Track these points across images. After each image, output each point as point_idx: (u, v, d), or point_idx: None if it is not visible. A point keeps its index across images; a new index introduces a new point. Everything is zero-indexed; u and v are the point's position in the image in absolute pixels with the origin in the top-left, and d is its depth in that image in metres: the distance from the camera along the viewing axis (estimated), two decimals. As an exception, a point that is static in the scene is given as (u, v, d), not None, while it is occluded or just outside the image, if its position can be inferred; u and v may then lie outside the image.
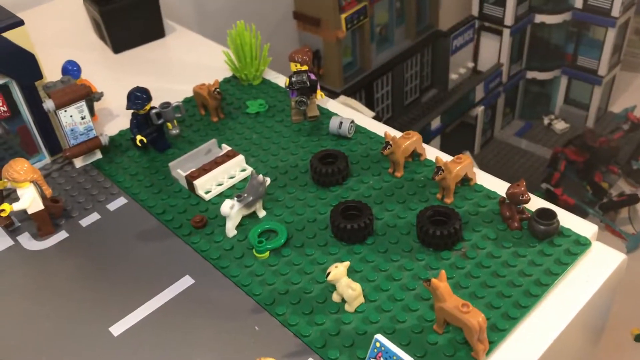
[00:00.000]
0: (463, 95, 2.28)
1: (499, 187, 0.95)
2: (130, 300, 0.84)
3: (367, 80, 1.95)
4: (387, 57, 2.01)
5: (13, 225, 0.97)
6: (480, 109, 2.40)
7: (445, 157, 0.98)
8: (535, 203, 0.90)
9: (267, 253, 0.88)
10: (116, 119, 1.20)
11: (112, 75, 1.34)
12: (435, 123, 2.20)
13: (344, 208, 0.90)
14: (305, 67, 1.09)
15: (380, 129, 1.10)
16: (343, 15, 1.69)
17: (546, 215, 0.85)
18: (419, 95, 2.30)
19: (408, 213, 0.92)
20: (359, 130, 1.10)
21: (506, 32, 2.36)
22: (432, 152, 1.03)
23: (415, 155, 1.02)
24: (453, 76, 2.35)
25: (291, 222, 0.93)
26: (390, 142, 0.96)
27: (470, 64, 2.43)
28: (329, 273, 0.77)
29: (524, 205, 0.87)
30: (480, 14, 2.40)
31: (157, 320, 0.81)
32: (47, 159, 1.09)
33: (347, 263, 0.79)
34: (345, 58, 1.89)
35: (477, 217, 0.90)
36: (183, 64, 1.38)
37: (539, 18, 2.40)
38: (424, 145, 1.03)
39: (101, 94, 1.15)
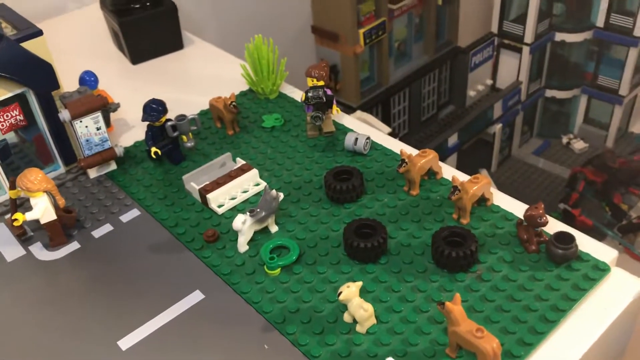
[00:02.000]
0: (481, 113, 2.26)
1: (517, 208, 0.93)
2: (139, 313, 0.83)
3: (384, 95, 1.94)
4: (405, 72, 2.00)
5: (26, 234, 0.97)
6: (498, 127, 2.38)
7: (462, 177, 0.96)
8: (554, 226, 0.88)
9: (279, 270, 0.87)
10: (132, 130, 1.20)
11: (130, 86, 1.34)
12: (453, 140, 2.18)
13: (358, 226, 0.88)
14: (321, 83, 1.08)
15: (397, 146, 1.08)
16: (361, 30, 1.68)
17: (565, 239, 0.83)
18: (436, 112, 2.28)
19: (423, 233, 0.90)
20: (375, 146, 1.09)
21: (526, 50, 2.34)
22: (448, 171, 1.02)
23: (431, 174, 1.00)
24: (471, 93, 2.33)
25: (303, 238, 0.92)
26: (406, 160, 0.94)
27: (489, 81, 2.41)
28: (340, 292, 0.75)
29: (542, 228, 0.85)
30: (499, 31, 2.38)
31: (166, 335, 0.80)
32: (62, 169, 1.09)
33: (360, 283, 0.77)
34: (362, 73, 1.89)
35: (494, 239, 0.88)
36: (200, 77, 1.38)
37: (560, 36, 2.37)
38: (441, 163, 1.01)
39: (117, 105, 1.15)
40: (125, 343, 0.80)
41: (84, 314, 0.84)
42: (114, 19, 1.38)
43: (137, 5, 1.38)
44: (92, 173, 1.08)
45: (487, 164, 2.43)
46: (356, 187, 0.96)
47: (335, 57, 1.78)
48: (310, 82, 1.09)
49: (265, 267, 0.87)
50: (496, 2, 2.33)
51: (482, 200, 0.94)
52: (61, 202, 0.94)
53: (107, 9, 1.42)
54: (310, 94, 1.05)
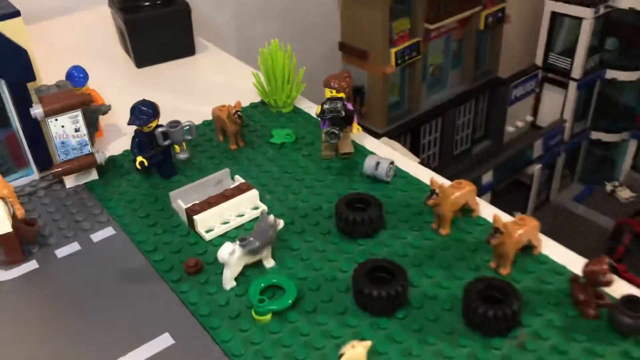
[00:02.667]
0: (519, 151, 2.09)
1: (570, 260, 0.77)
2: (96, 353, 0.69)
3: (414, 123, 1.78)
4: (438, 100, 1.84)
5: (-23, 247, 0.82)
6: (537, 168, 2.21)
7: (505, 217, 0.79)
8: (619, 287, 0.70)
9: (269, 315, 0.70)
10: (123, 138, 1.06)
11: (129, 90, 1.20)
12: (487, 178, 2.00)
13: (372, 268, 0.73)
14: (341, 95, 0.92)
15: (426, 174, 0.92)
16: (393, 50, 1.54)
17: (635, 305, 0.66)
18: (470, 146, 2.12)
19: (452, 283, 0.74)
20: (400, 174, 0.92)
21: (572, 86, 2.18)
22: (486, 209, 0.85)
23: (466, 211, 0.83)
24: (509, 129, 2.17)
25: (304, 278, 0.75)
26: (437, 191, 0.78)
27: (529, 118, 2.24)
28: (342, 354, 0.60)
29: (604, 288, 0.68)
30: (544, 64, 2.23)
31: (118, 389, 0.64)
32: (36, 175, 0.95)
33: (369, 343, 0.62)
34: (391, 97, 1.73)
35: (541, 297, 0.72)
36: (210, 85, 1.24)
37: (611, 74, 2.22)
38: (478, 199, 0.84)
39: (108, 108, 1.00)
40: (71, 392, 0.64)
41: (31, 348, 0.70)
42: (120, 17, 1.25)
43: (147, 3, 1.26)
44: (69, 182, 0.93)
45: (523, 208, 2.26)
46: (373, 219, 0.80)
47: (363, 78, 1.63)
48: (329, 94, 0.93)
49: (253, 310, 0.70)
50: (542, 32, 2.19)
51: (527, 248, 0.76)
52: (20, 211, 0.79)
53: (115, 6, 1.30)
54: (326, 106, 0.89)
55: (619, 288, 0.70)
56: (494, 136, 2.17)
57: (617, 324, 0.67)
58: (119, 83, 1.23)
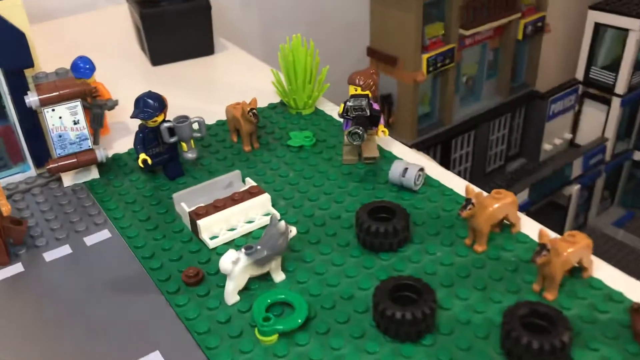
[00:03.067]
0: (557, 170, 1.96)
1: (628, 286, 0.66)
2: None
3: (445, 136, 1.68)
4: (471, 112, 1.74)
5: (-40, 246, 0.74)
6: (575, 188, 2.08)
7: (552, 234, 0.69)
8: (690, 320, 0.59)
9: (275, 336, 0.61)
10: (130, 136, 0.97)
11: (141, 88, 1.12)
12: (521, 198, 1.88)
13: (396, 286, 0.63)
14: (367, 93, 0.83)
15: (459, 184, 0.82)
16: (425, 56, 1.44)
17: None
18: (504, 163, 2.00)
19: (489, 307, 0.64)
20: (430, 182, 0.82)
21: (616, 102, 2.05)
22: (528, 224, 0.75)
23: (505, 226, 0.73)
24: (546, 146, 2.05)
25: (317, 295, 0.66)
26: (473, 201, 0.68)
27: (568, 135, 2.12)
28: None
29: None
30: (585, 78, 2.11)
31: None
32: (32, 171, 0.88)
33: None
34: (422, 108, 1.64)
35: (594, 328, 0.62)
36: (227, 84, 1.16)
37: (658, 90, 2.08)
38: (519, 213, 0.74)
39: (115, 102, 0.93)
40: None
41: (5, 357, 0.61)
42: (137, 10, 1.19)
43: (166, -2, 1.19)
44: (67, 180, 0.86)
45: (559, 231, 2.11)
46: (398, 230, 0.70)
47: (392, 85, 1.54)
48: (353, 91, 0.84)
49: (256, 330, 0.61)
50: (584, 44, 2.07)
51: (577, 270, 0.65)
52: (5, 208, 0.71)
53: (132, 0, 1.23)
54: (349, 104, 0.79)
55: (690, 321, 0.59)
56: (530, 154, 2.06)
57: (689, 364, 0.56)
58: (131, 80, 1.16)
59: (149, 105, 0.80)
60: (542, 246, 0.63)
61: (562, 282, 0.66)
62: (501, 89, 1.80)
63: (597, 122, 2.13)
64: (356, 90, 0.84)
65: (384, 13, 1.43)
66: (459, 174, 1.87)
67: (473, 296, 0.65)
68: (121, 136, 0.99)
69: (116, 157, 0.92)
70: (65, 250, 0.75)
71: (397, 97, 1.53)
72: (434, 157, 1.72)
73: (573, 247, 0.64)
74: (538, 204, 2.07)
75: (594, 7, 2.03)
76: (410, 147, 1.48)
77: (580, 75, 2.11)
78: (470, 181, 0.70)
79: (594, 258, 0.69)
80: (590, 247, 0.67)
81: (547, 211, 2.15)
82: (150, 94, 0.81)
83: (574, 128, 2.19)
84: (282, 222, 0.66)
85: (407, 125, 1.57)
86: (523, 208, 1.96)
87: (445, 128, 1.68)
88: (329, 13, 1.91)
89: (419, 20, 1.39)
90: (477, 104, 1.77)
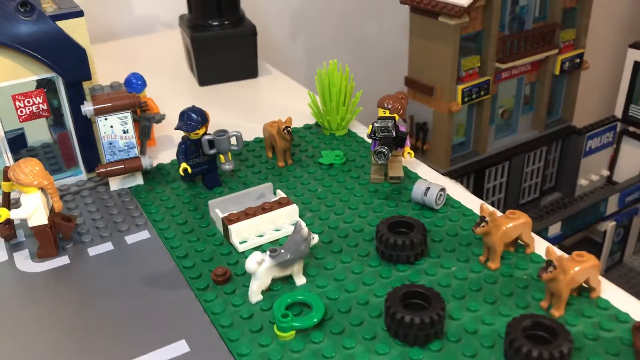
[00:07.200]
0: (592, 205, 1.95)
1: (635, 308, 0.68)
2: (112, 352, 0.66)
3: (479, 165, 1.70)
4: (506, 144, 1.76)
5: (15, 238, 0.82)
6: (610, 225, 2.05)
7: (560, 252, 0.72)
8: (692, 341, 0.60)
9: (293, 333, 0.65)
10: (175, 149, 1.05)
11: (188, 104, 1.21)
12: (554, 230, 1.88)
13: (407, 293, 0.66)
14: (394, 116, 0.88)
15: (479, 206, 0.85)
16: (460, 87, 1.49)
17: None
18: (538, 196, 2.00)
19: (497, 319, 0.66)
20: (451, 202, 0.86)
21: (654, 141, 2.03)
22: (542, 245, 0.77)
23: (519, 245, 0.76)
24: (582, 182, 2.04)
25: (335, 298, 0.70)
26: (487, 219, 0.71)
27: (605, 172, 2.10)
28: None
29: None
30: (624, 115, 2.10)
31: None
32: (84, 175, 0.96)
33: None
34: (456, 137, 1.67)
35: (597, 345, 0.63)
36: (267, 105, 1.23)
37: (699, 131, 2.05)
38: (534, 235, 0.77)
39: (162, 116, 1.01)
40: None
41: (52, 341, 0.68)
42: (188, 34, 1.28)
43: (215, 23, 1.27)
44: (114, 184, 0.93)
45: (593, 267, 2.08)
46: (415, 244, 0.74)
47: (428, 114, 1.58)
48: (382, 114, 0.89)
49: (275, 326, 0.65)
50: (623, 82, 2.07)
51: (585, 289, 0.68)
52: (57, 204, 0.79)
53: (184, 25, 1.33)
54: (377, 125, 0.85)
55: (691, 343, 0.61)
56: (565, 188, 2.04)
57: (687, 383, 0.58)
58: (179, 98, 1.24)
59: (192, 118, 0.87)
60: (549, 263, 0.65)
61: (569, 301, 0.68)
62: (537, 122, 1.82)
63: (635, 160, 2.10)
64: (384, 114, 0.89)
65: (422, 45, 1.49)
66: (492, 204, 1.88)
67: (483, 309, 0.68)
68: (165, 148, 1.06)
69: (160, 167, 0.99)
70: (107, 246, 0.82)
71: (433, 125, 1.58)
72: (467, 187, 1.74)
73: (580, 265, 0.66)
74: (572, 238, 2.05)
75: (634, 46, 2.03)
76: (444, 174, 1.51)
77: (618, 112, 2.10)
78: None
79: (601, 279, 0.71)
80: (598, 268, 0.69)
81: (582, 246, 2.13)
82: (194, 109, 0.88)
83: (612, 165, 2.16)
84: (305, 229, 0.71)
85: (441, 153, 1.60)
86: (555, 241, 1.95)
87: (480, 158, 1.71)
88: (371, 44, 1.98)
89: (456, 53, 1.44)
90: (512, 137, 1.79)
